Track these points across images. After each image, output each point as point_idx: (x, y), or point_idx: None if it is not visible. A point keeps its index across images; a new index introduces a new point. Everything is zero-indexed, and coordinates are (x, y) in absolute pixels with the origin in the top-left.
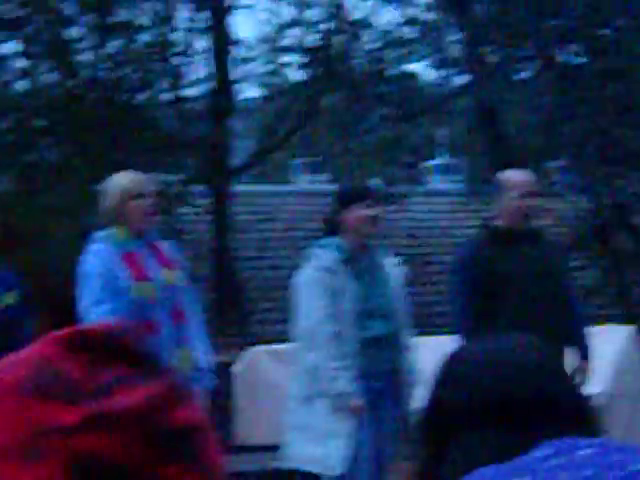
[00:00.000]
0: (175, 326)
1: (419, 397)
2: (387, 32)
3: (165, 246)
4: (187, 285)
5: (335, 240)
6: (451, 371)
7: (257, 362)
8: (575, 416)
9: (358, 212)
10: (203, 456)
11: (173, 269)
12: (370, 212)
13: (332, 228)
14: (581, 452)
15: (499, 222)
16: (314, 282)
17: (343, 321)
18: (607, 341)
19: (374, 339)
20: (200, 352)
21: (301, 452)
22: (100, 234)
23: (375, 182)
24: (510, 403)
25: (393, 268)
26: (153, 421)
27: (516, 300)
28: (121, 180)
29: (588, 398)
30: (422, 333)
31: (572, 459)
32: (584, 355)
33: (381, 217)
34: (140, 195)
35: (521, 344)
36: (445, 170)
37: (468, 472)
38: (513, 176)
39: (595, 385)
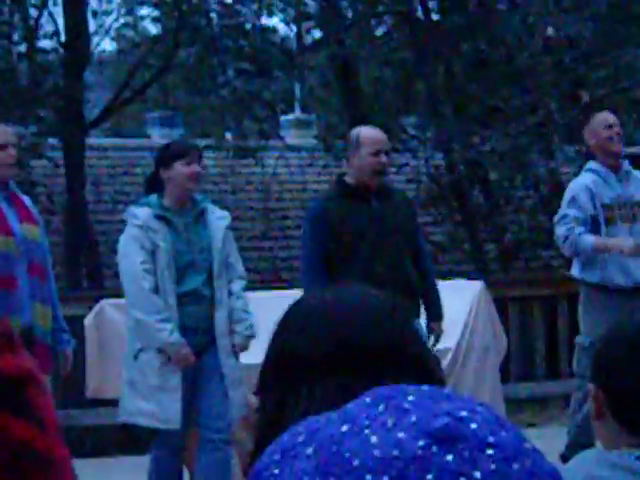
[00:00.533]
0: (34, 282)
1: (254, 351)
2: None
3: (26, 199)
4: (45, 241)
5: (153, 197)
6: (291, 320)
7: (105, 315)
8: (416, 365)
9: (179, 169)
10: (32, 406)
11: (34, 224)
12: (190, 169)
13: (155, 185)
14: (409, 398)
15: (350, 178)
16: (131, 239)
17: (161, 277)
18: (458, 296)
19: (192, 293)
20: (58, 312)
21: (134, 407)
22: None
23: (228, 136)
24: (349, 351)
25: (218, 221)
26: None
27: (367, 256)
28: None
29: (433, 350)
30: (273, 287)
31: (398, 405)
32: (437, 316)
33: (201, 173)
34: (2, 146)
35: (360, 294)
36: (299, 125)
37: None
38: (366, 133)
39: (447, 339)
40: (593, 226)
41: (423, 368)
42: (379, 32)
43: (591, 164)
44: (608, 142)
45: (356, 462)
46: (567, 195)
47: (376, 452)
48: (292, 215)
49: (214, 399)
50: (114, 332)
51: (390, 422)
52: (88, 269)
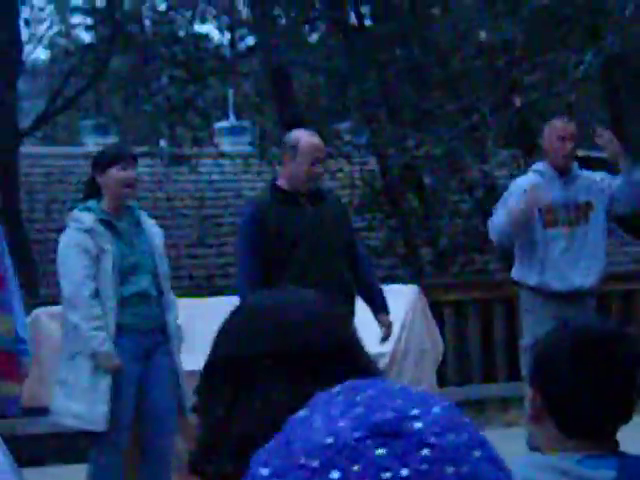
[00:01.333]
0: None
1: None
2: None
3: None
4: (3, 250)
5: (93, 203)
6: (240, 322)
7: (40, 324)
8: (360, 366)
9: (114, 175)
10: None
11: None
12: (126, 175)
13: (92, 191)
14: (369, 392)
15: (284, 183)
16: (73, 244)
17: (104, 280)
18: (394, 301)
19: (137, 295)
20: (20, 320)
21: (65, 408)
22: None
23: (162, 143)
24: (300, 351)
25: (153, 228)
26: None
27: (302, 261)
28: None
29: (375, 355)
30: (206, 295)
31: (352, 398)
32: (383, 308)
33: (137, 179)
34: None
35: (304, 297)
36: (234, 132)
37: (260, 422)
38: (305, 140)
39: (384, 343)
40: (526, 227)
41: (367, 368)
42: (313, 38)
43: (538, 165)
44: (558, 156)
45: (297, 445)
46: (504, 195)
47: (314, 437)
48: (227, 222)
49: (162, 402)
50: (49, 340)
51: (337, 411)
52: (23, 278)
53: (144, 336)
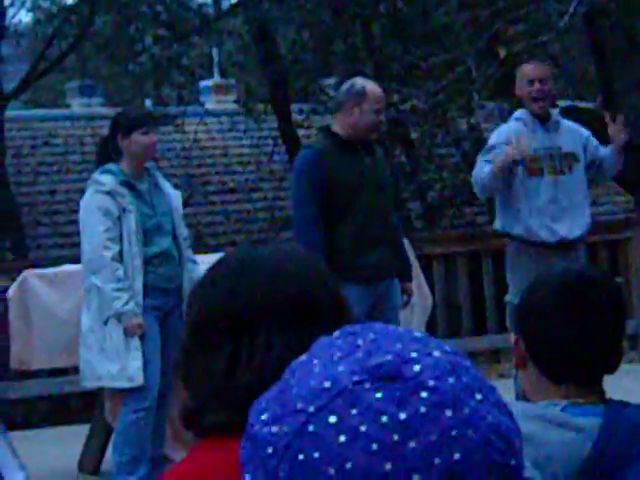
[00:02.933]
0: None
1: None
2: None
3: None
4: None
5: (113, 166)
6: (237, 273)
7: (28, 286)
8: (346, 320)
9: (138, 139)
10: None
11: None
12: (148, 139)
13: (107, 153)
14: (370, 335)
15: (342, 130)
16: (94, 207)
17: (128, 241)
18: None
19: (160, 255)
20: None
21: (105, 371)
22: None
23: (148, 103)
24: (300, 303)
25: (171, 190)
26: None
27: (361, 212)
28: None
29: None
30: (197, 253)
31: (353, 341)
32: (408, 276)
33: (156, 143)
34: None
35: (290, 249)
36: (219, 90)
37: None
38: (372, 89)
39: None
40: (509, 177)
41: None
42: None
43: (518, 112)
44: (528, 99)
45: (294, 390)
46: (487, 143)
47: (312, 382)
48: (214, 180)
49: (169, 362)
50: (38, 303)
51: (337, 355)
52: (12, 242)
53: (167, 296)
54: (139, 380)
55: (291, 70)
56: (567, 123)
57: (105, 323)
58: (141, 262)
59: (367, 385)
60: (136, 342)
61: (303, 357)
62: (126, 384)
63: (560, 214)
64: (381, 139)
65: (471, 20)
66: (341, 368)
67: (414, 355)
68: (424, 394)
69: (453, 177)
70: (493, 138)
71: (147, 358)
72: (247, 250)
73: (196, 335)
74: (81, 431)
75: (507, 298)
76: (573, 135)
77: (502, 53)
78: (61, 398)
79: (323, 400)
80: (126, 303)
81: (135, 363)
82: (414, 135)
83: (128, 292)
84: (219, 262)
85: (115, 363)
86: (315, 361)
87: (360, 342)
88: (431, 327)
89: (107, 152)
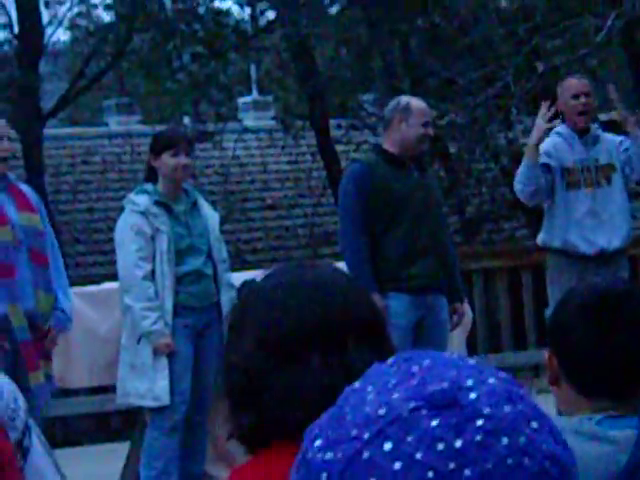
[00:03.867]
0: (36, 270)
1: None
2: None
3: (26, 189)
4: (47, 228)
5: (149, 186)
6: (299, 297)
7: None
8: (385, 340)
9: (167, 160)
10: None
11: (33, 212)
12: (176, 161)
13: (152, 173)
14: (424, 362)
15: (392, 146)
16: (128, 226)
17: (160, 260)
18: None
19: (192, 273)
20: (60, 295)
21: (132, 389)
22: None
23: (186, 121)
24: (359, 322)
25: (209, 211)
26: None
27: (409, 225)
28: None
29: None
30: (233, 270)
31: (407, 369)
32: (459, 298)
33: (189, 164)
34: None
35: (327, 272)
36: (257, 107)
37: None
38: (417, 103)
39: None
40: (550, 191)
41: (386, 340)
42: (333, 11)
43: (558, 127)
44: (574, 114)
45: (349, 417)
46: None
47: (367, 409)
48: (253, 197)
49: (204, 379)
50: (78, 321)
51: (392, 383)
52: None
53: (199, 314)
54: (165, 400)
55: (329, 86)
56: (606, 136)
57: (138, 342)
58: (172, 282)
59: (423, 412)
60: (164, 361)
61: (357, 384)
62: (152, 403)
63: (598, 226)
64: (419, 155)
65: (509, 35)
66: (396, 395)
67: (470, 383)
68: (480, 422)
69: (492, 192)
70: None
71: (176, 377)
72: (292, 272)
73: (273, 349)
74: (121, 449)
75: (547, 313)
76: (609, 146)
77: (540, 68)
78: (101, 416)
79: (378, 427)
80: (154, 322)
81: (162, 382)
82: (452, 150)
83: (157, 311)
84: (283, 283)
85: (143, 381)
86: (369, 388)
87: (415, 369)
88: (471, 342)
89: (150, 172)
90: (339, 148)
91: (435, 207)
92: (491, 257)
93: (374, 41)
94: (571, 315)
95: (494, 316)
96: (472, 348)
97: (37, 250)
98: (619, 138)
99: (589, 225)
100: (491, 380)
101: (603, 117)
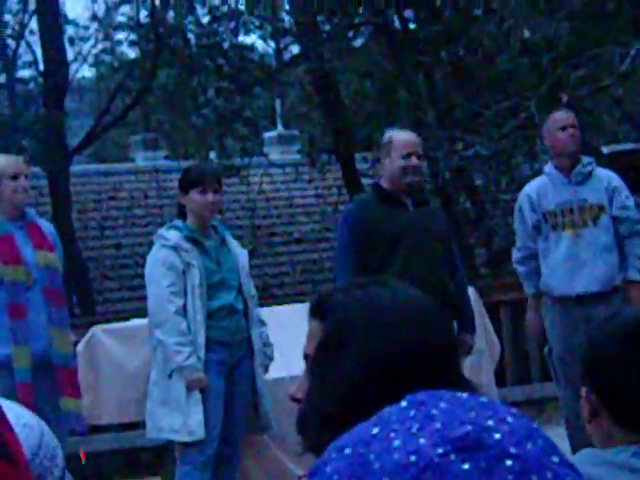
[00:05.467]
0: (51, 308)
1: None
2: (218, 5)
3: (45, 226)
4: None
5: (179, 222)
6: (381, 321)
7: (97, 341)
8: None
9: (194, 198)
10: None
11: (50, 251)
12: (203, 199)
13: (182, 209)
14: (441, 405)
15: (385, 183)
16: (159, 261)
17: (191, 295)
18: None
19: (223, 308)
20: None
21: (166, 424)
22: None
23: (212, 156)
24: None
25: (238, 248)
26: None
27: (403, 261)
28: None
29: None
30: (261, 304)
31: (427, 412)
32: (468, 328)
33: (216, 202)
34: (15, 176)
35: (414, 295)
36: (282, 141)
37: None
38: (397, 136)
39: None
40: (538, 234)
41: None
42: (357, 44)
43: (546, 166)
44: (564, 148)
45: (377, 465)
46: (517, 202)
47: (395, 456)
48: (280, 231)
49: (236, 414)
50: (107, 358)
51: (415, 427)
52: (79, 296)
53: (230, 349)
54: (200, 434)
55: (354, 119)
56: (600, 173)
57: (169, 376)
58: (204, 316)
59: (452, 457)
60: (197, 396)
61: (375, 429)
62: (187, 438)
63: (578, 269)
64: (415, 187)
65: (533, 66)
66: (422, 440)
67: (491, 423)
68: (509, 462)
69: None
70: (519, 200)
71: (208, 412)
72: (400, 291)
73: (383, 374)
74: None
75: (546, 350)
76: (601, 185)
77: (565, 98)
78: (132, 452)
79: (411, 474)
80: (187, 357)
81: (196, 417)
82: (478, 182)
83: (190, 346)
84: (374, 303)
85: (177, 416)
86: (392, 434)
87: (434, 412)
88: (499, 374)
89: (181, 208)
90: (365, 182)
91: (433, 242)
92: (519, 289)
93: (398, 74)
94: (610, 350)
95: (522, 347)
96: (500, 379)
97: (52, 289)
98: (616, 181)
99: (568, 268)
100: (509, 419)
101: (628, 147)
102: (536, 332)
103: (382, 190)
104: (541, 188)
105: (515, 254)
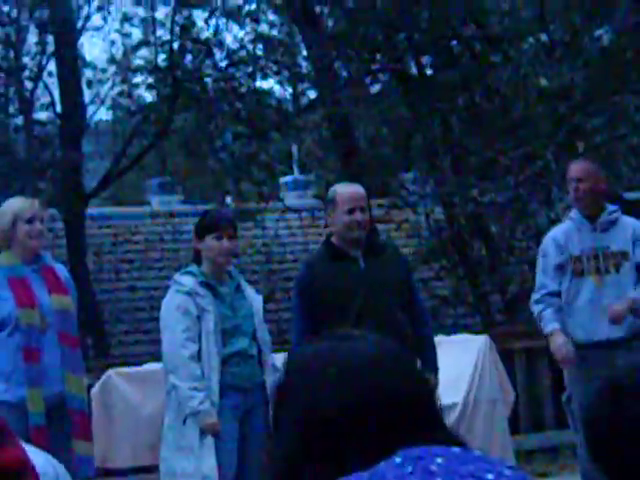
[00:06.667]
0: (65, 351)
1: None
2: (236, 50)
3: (60, 269)
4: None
5: (194, 267)
6: (324, 376)
7: (112, 384)
8: (434, 413)
9: (210, 244)
10: None
11: (65, 294)
12: (219, 245)
13: (198, 254)
14: (437, 460)
15: (335, 239)
16: (174, 306)
17: (206, 340)
18: (464, 350)
19: (237, 354)
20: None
21: (180, 469)
22: None
23: (228, 200)
24: (389, 400)
25: (253, 294)
26: None
27: (355, 317)
28: (13, 204)
29: (446, 406)
30: (276, 350)
31: (425, 467)
32: (432, 368)
33: (232, 248)
34: (30, 219)
35: (376, 342)
36: (298, 186)
37: None
38: (341, 190)
39: (454, 394)
40: (562, 277)
41: (437, 414)
42: (374, 90)
43: (571, 212)
44: (570, 196)
45: None
46: (540, 247)
47: None
48: (294, 276)
49: (252, 460)
50: (121, 401)
51: None
52: (93, 339)
53: (244, 395)
54: (213, 478)
55: (370, 165)
56: (625, 221)
57: (184, 422)
58: (218, 362)
59: None
60: (211, 441)
61: None
62: None
63: (600, 315)
64: (368, 241)
65: (550, 113)
66: None
67: (490, 477)
68: None
69: (533, 270)
70: (543, 243)
71: (222, 457)
72: (323, 349)
73: (312, 437)
74: None
75: (563, 398)
76: (625, 233)
77: (581, 147)
78: None
79: None
80: (201, 402)
81: (209, 461)
82: (493, 228)
83: (204, 391)
84: (321, 358)
85: (190, 461)
86: None
87: (433, 468)
88: (513, 421)
89: (198, 253)
90: (380, 227)
91: (386, 293)
92: (533, 336)
93: (415, 120)
94: (600, 416)
95: (536, 394)
96: (514, 426)
97: (66, 332)
98: None
99: (589, 314)
100: (506, 472)
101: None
102: (567, 355)
103: (331, 247)
104: (567, 232)
105: (534, 296)
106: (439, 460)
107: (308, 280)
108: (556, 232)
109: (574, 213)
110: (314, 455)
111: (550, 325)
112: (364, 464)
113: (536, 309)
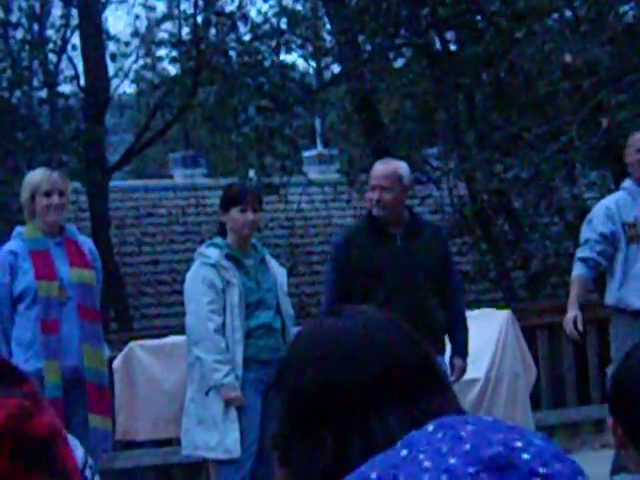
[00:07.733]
0: (84, 324)
1: None
2: (260, 24)
3: (85, 242)
4: (99, 284)
5: (219, 240)
6: (328, 350)
7: (134, 357)
8: (441, 383)
9: (235, 216)
10: (62, 461)
11: (87, 268)
12: (243, 217)
13: (224, 227)
14: (468, 427)
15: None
16: (199, 279)
17: (230, 313)
18: (486, 325)
19: (262, 327)
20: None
21: (202, 441)
22: (18, 230)
23: (251, 174)
24: (397, 373)
25: (277, 267)
26: (16, 435)
27: (384, 295)
28: (32, 177)
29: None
30: (298, 323)
31: (456, 433)
32: (459, 353)
33: (256, 221)
34: (48, 192)
35: (378, 317)
36: (322, 160)
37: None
38: (374, 168)
39: (476, 369)
40: (612, 244)
41: (445, 384)
42: (398, 65)
43: (625, 182)
44: (636, 166)
45: None
46: (588, 215)
47: (426, 476)
48: (317, 250)
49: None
50: (143, 374)
51: (445, 448)
52: (116, 312)
53: (268, 368)
54: (236, 452)
55: (394, 140)
56: None
57: (206, 394)
58: (242, 335)
59: (484, 476)
60: (234, 414)
61: (404, 452)
62: (223, 455)
63: None
64: (423, 221)
65: (574, 89)
66: (453, 460)
67: (519, 444)
68: None
69: (556, 246)
70: (595, 208)
71: (244, 431)
72: (326, 324)
73: (295, 417)
74: None
75: (608, 370)
76: None
77: (605, 123)
78: (166, 468)
79: None
80: (226, 375)
81: (233, 435)
82: (517, 204)
83: (228, 364)
84: (310, 337)
85: (213, 434)
86: (421, 455)
87: (463, 434)
88: (535, 397)
89: (223, 226)
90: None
91: (418, 275)
92: (555, 312)
93: (439, 95)
94: (632, 379)
95: (558, 371)
96: (536, 402)
97: (87, 305)
98: None
99: None
100: (537, 441)
101: None
102: (570, 333)
103: (372, 219)
104: (620, 201)
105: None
106: (469, 427)
107: (344, 247)
108: (609, 200)
109: (627, 182)
110: (297, 434)
111: (581, 271)
112: (350, 443)
113: (579, 255)
